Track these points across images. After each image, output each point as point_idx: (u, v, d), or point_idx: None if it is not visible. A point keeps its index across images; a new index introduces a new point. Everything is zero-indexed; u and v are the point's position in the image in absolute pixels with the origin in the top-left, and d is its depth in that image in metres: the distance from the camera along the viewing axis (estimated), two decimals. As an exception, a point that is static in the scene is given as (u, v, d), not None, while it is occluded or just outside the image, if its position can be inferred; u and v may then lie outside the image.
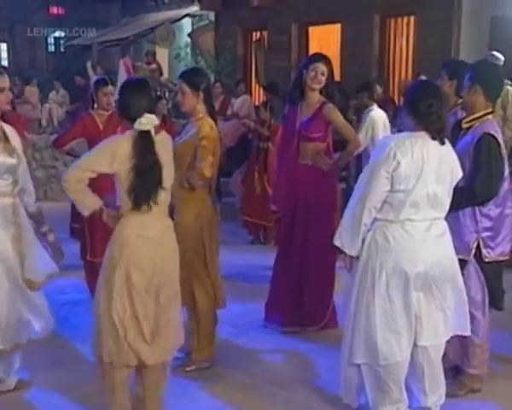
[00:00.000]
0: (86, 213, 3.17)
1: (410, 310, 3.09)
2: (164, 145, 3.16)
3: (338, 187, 4.90)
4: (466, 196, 3.40)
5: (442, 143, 3.08)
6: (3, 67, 22.94)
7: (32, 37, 21.78)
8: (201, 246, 3.81)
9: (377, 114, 6.43)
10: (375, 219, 3.12)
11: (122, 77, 12.73)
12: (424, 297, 3.11)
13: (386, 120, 6.51)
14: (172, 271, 3.21)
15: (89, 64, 13.68)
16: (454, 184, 3.17)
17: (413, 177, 3.02)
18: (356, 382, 3.30)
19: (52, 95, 13.89)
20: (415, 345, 3.16)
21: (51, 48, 23.72)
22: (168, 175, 3.14)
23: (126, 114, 3.12)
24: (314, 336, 4.55)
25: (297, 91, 4.53)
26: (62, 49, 22.54)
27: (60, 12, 22.29)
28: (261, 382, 3.86)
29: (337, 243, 3.22)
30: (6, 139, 3.42)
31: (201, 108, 3.78)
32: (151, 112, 3.08)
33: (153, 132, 3.06)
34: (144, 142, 3.04)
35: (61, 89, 13.95)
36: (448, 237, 3.19)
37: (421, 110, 3.04)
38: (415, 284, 3.06)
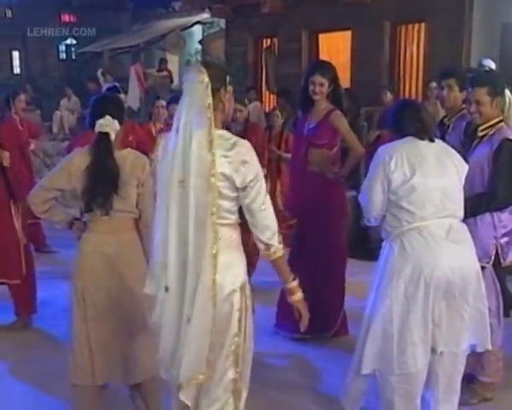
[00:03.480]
0: (58, 227, 3.22)
1: (428, 321, 3.02)
2: (129, 161, 3.08)
3: (346, 194, 4.90)
4: (486, 201, 3.40)
5: (431, 141, 3.14)
6: (15, 75, 23.18)
7: (44, 44, 21.99)
8: None
9: None
10: (392, 229, 3.10)
11: (133, 84, 12.82)
12: (446, 305, 3.03)
13: None
14: (120, 291, 3.08)
15: (99, 72, 13.77)
16: (463, 179, 3.15)
17: (414, 175, 3.01)
18: (360, 389, 3.28)
19: (63, 102, 13.99)
20: (433, 352, 3.09)
21: (63, 55, 23.92)
22: (128, 188, 3.04)
23: (90, 122, 3.10)
24: (325, 343, 4.54)
25: (305, 100, 4.57)
26: (74, 57, 22.72)
27: (71, 20, 22.48)
28: (271, 388, 3.85)
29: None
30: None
31: None
32: (116, 119, 3.05)
33: (112, 137, 3.03)
34: (101, 143, 3.01)
35: (72, 96, 14.04)
36: (470, 244, 3.12)
37: (405, 124, 3.15)
38: (436, 293, 2.99)
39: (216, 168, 2.39)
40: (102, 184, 2.96)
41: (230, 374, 2.53)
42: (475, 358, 3.54)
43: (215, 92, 2.43)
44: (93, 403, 3.16)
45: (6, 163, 4.75)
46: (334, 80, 4.49)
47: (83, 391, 3.11)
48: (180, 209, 2.41)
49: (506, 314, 3.72)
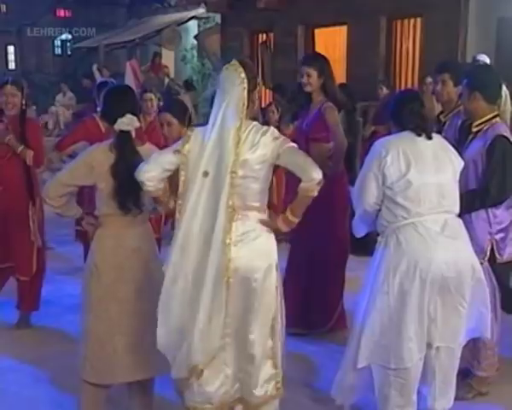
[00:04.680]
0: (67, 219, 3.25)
1: (423, 316, 3.02)
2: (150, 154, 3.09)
3: (348, 189, 4.88)
4: (480, 198, 3.41)
5: (429, 138, 3.12)
6: (10, 70, 23.11)
7: (39, 39, 21.90)
8: None
9: None
10: (388, 224, 3.10)
11: (129, 80, 12.78)
12: (441, 300, 3.03)
13: None
14: (146, 282, 3.08)
15: (95, 67, 13.74)
16: (458, 174, 3.15)
17: (409, 171, 3.01)
18: (353, 383, 3.27)
19: (59, 97, 13.97)
20: (429, 347, 3.10)
21: (58, 50, 23.83)
22: None
23: (107, 117, 3.10)
24: (322, 337, 4.54)
25: (302, 95, 4.58)
26: (69, 52, 22.64)
27: (66, 15, 22.40)
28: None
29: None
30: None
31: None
32: (134, 115, 3.06)
33: (133, 134, 3.04)
34: (124, 141, 3.01)
35: (68, 91, 14.02)
36: (466, 240, 3.13)
37: (404, 117, 3.14)
38: (431, 288, 2.99)
39: (236, 167, 2.66)
40: (133, 183, 2.94)
41: (269, 343, 2.86)
42: (471, 353, 3.55)
43: (249, 94, 2.69)
44: (103, 402, 3.17)
45: (29, 162, 4.60)
46: (324, 72, 4.47)
47: (95, 390, 3.10)
48: (207, 199, 2.68)
49: (506, 310, 3.72)
